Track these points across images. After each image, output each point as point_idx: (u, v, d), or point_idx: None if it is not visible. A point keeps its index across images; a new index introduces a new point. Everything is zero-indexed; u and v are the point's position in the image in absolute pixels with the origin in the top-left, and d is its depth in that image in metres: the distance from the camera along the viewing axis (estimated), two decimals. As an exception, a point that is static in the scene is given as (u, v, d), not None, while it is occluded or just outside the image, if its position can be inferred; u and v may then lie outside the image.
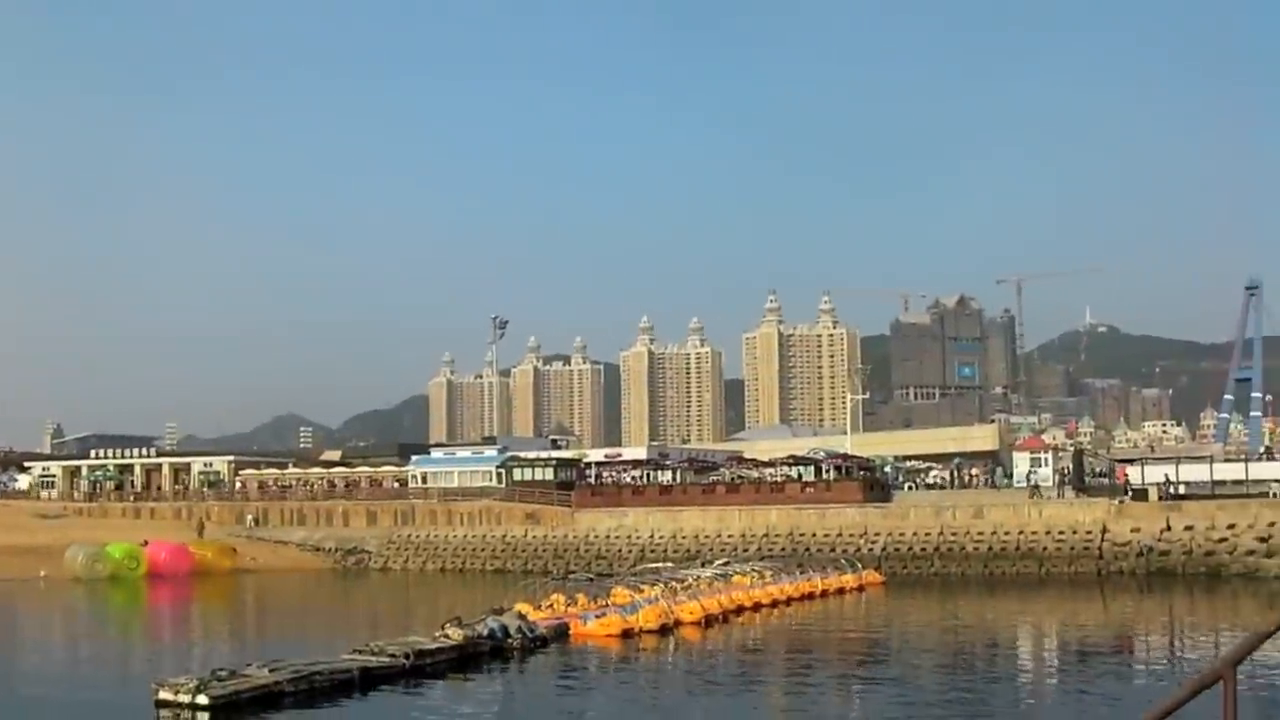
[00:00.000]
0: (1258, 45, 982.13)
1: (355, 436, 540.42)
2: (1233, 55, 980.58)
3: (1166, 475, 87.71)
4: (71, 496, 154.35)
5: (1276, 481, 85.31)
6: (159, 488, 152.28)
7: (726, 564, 72.57)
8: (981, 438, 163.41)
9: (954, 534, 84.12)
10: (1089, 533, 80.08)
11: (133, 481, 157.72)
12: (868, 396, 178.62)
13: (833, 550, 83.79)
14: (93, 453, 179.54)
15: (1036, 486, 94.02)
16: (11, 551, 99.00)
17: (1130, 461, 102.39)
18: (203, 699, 32.90)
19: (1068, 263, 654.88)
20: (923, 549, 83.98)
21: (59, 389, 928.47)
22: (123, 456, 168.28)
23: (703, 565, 72.92)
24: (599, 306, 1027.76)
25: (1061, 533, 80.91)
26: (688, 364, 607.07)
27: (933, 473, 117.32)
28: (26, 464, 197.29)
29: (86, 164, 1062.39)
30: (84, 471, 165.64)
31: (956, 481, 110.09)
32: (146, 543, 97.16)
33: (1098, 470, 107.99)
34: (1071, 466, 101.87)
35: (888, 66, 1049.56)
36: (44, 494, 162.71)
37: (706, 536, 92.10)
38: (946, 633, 57.34)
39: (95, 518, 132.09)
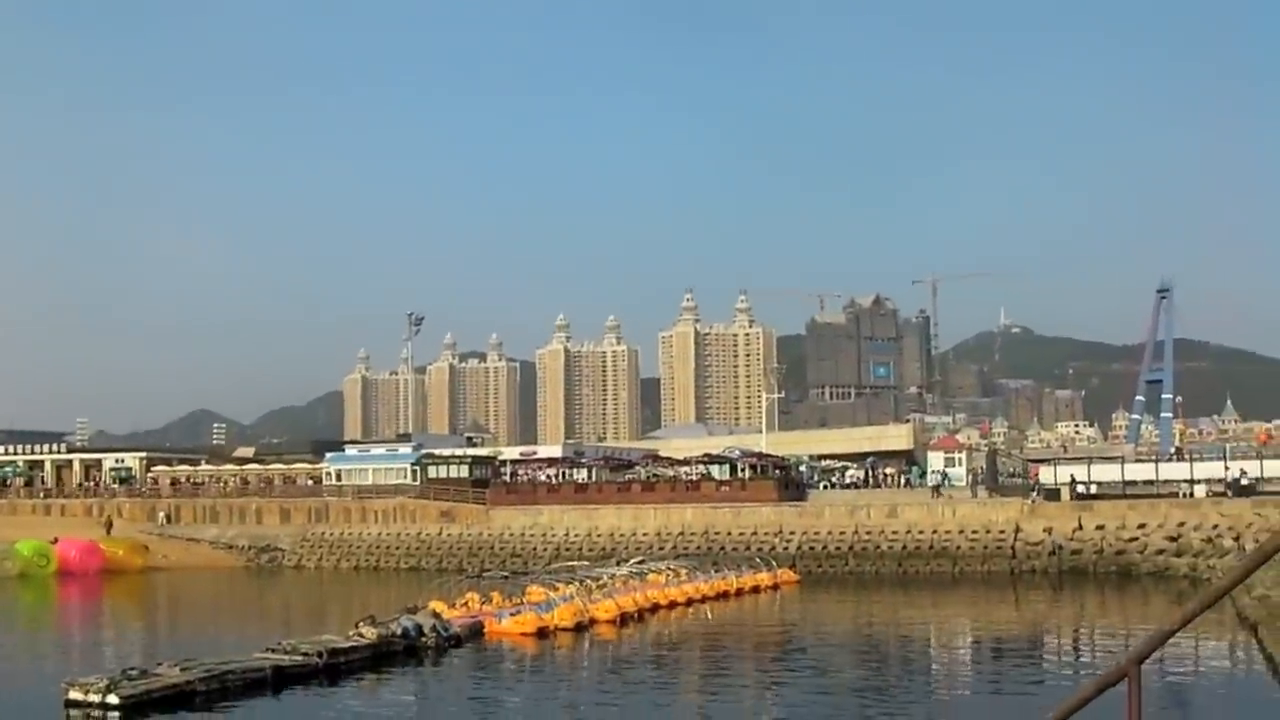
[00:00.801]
0: (1172, 41, 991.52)
1: (268, 433, 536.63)
2: (1149, 54, 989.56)
3: (1073, 475, 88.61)
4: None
5: (1186, 482, 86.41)
6: (70, 484, 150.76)
7: (642, 562, 72.53)
8: (896, 437, 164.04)
9: (868, 533, 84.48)
10: (1002, 532, 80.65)
11: (43, 478, 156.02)
12: (783, 395, 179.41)
13: (748, 549, 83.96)
14: (1, 448, 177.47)
15: (937, 487, 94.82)
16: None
17: (1043, 461, 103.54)
18: (113, 698, 32.66)
19: (987, 266, 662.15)
20: (837, 548, 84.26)
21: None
22: (32, 452, 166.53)
23: (618, 564, 72.84)
24: (515, 304, 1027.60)
25: (975, 532, 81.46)
26: (604, 362, 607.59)
27: (849, 472, 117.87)
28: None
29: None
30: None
31: (871, 481, 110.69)
32: (56, 540, 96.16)
33: (1011, 470, 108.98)
34: (985, 466, 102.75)
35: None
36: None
37: (622, 535, 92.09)
38: (861, 630, 57.73)
39: (4, 515, 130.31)
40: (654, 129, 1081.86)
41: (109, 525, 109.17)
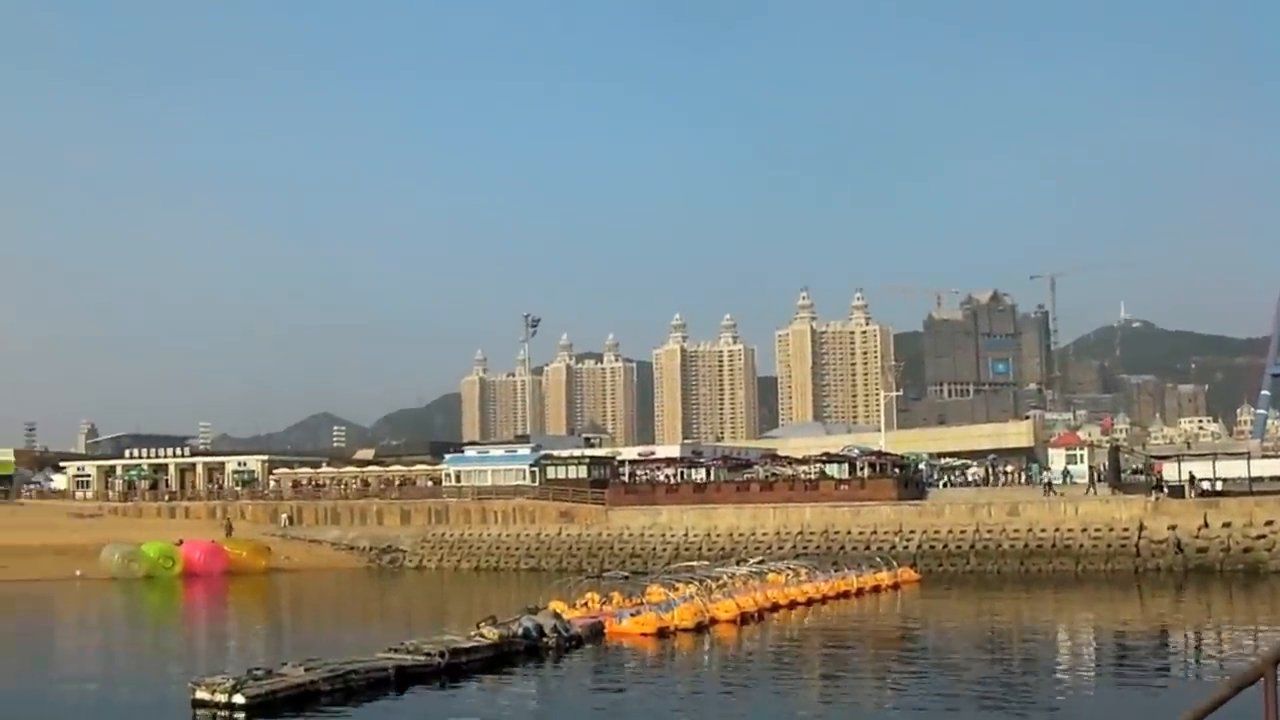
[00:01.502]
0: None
1: (388, 435, 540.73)
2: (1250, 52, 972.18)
3: (1191, 472, 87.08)
4: (106, 496, 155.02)
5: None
6: (194, 487, 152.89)
7: (761, 562, 72.25)
8: (1016, 434, 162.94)
9: (989, 531, 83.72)
10: (1125, 530, 79.58)
11: (167, 481, 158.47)
12: (901, 393, 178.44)
13: (867, 548, 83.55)
14: (127, 452, 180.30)
15: (1049, 484, 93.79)
16: (48, 551, 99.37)
17: (1166, 458, 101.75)
18: (239, 698, 32.96)
19: (1102, 258, 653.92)
20: (958, 546, 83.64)
21: (93, 389, 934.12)
22: (157, 456, 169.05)
23: (737, 563, 72.74)
24: (631, 304, 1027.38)
25: (1098, 530, 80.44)
26: (720, 361, 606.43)
27: (970, 470, 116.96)
28: (62, 464, 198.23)
29: (116, 165, 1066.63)
30: (119, 471, 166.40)
31: (992, 479, 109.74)
32: (181, 542, 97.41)
33: (1134, 467, 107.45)
34: (1107, 463, 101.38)
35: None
36: (79, 494, 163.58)
37: (741, 534, 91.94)
38: (983, 629, 57.17)
39: (130, 517, 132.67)
40: (761, 133, 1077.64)
41: (229, 528, 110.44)
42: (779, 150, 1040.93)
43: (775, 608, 58.43)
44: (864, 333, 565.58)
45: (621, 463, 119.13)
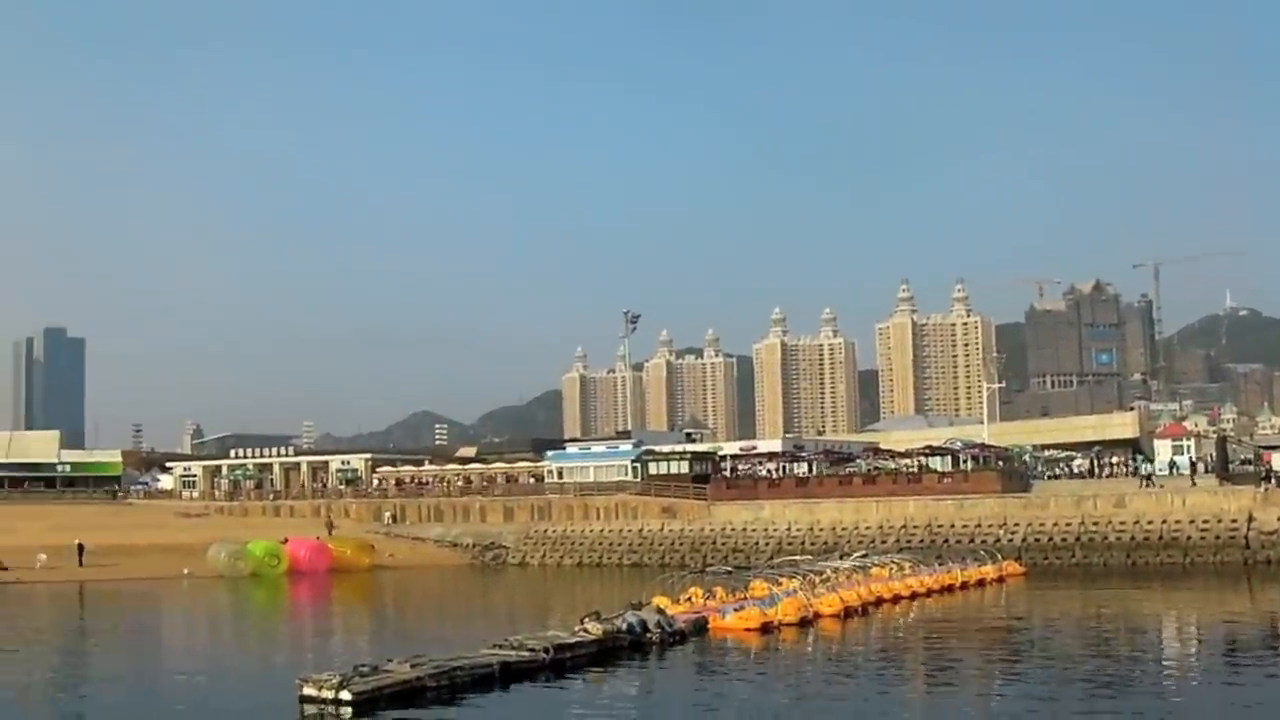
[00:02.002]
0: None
1: (489, 433, 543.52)
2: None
3: None
4: (212, 495, 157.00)
5: None
6: (298, 486, 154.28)
7: (865, 556, 71.83)
8: (1121, 425, 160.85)
9: (1095, 524, 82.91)
10: (1234, 521, 78.57)
11: (272, 480, 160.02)
12: (1004, 385, 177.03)
13: (971, 541, 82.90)
14: (232, 452, 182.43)
15: (1149, 476, 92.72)
16: (156, 550, 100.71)
17: (1275, 448, 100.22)
18: (345, 695, 33.10)
19: (1207, 246, 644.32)
20: (1064, 539, 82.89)
21: (198, 391, 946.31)
22: (261, 456, 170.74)
23: (841, 557, 72.44)
24: (731, 299, 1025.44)
25: (1206, 521, 79.47)
26: (821, 355, 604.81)
27: (1075, 461, 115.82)
28: (168, 464, 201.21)
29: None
30: (224, 471, 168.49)
31: (1097, 471, 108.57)
32: (286, 540, 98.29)
33: (1242, 457, 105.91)
34: (1215, 454, 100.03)
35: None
36: (186, 493, 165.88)
37: (844, 528, 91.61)
38: (1090, 624, 56.54)
39: (236, 516, 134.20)
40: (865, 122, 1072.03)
41: (330, 525, 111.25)
42: (875, 142, 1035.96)
43: (879, 602, 58.17)
44: (965, 324, 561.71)
45: (723, 458, 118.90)
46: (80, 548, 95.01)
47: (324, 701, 33.31)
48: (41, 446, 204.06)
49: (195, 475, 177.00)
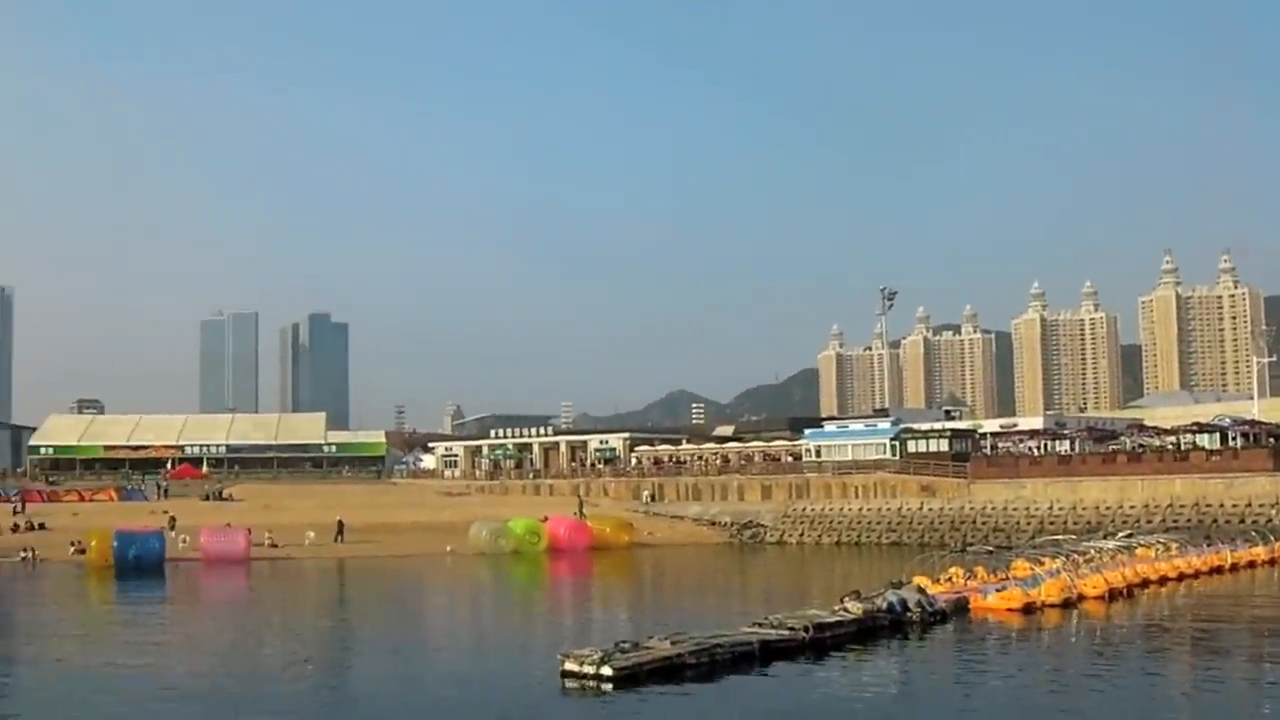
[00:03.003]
0: None
1: (746, 411, 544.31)
2: None
3: None
4: (473, 475, 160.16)
5: None
6: (560, 464, 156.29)
7: (1129, 536, 70.33)
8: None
9: (1377, 503, 79.83)
10: None
11: (531, 459, 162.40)
12: (1274, 359, 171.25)
13: (1242, 521, 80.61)
14: (492, 432, 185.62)
15: None
16: (420, 528, 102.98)
17: None
18: (607, 670, 33.37)
19: None
20: (1342, 519, 79.95)
21: (458, 372, 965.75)
22: (521, 436, 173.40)
23: (1105, 537, 70.99)
24: (989, 273, 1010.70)
25: None
26: (1082, 330, 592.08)
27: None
28: (430, 445, 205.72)
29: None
30: (485, 451, 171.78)
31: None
32: (546, 518, 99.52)
33: None
34: None
35: None
36: (448, 473, 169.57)
37: (1107, 508, 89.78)
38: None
39: (496, 495, 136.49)
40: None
41: (580, 505, 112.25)
42: (1147, 104, 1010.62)
43: (1145, 584, 56.84)
44: (1232, 296, 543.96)
45: (983, 435, 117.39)
46: (340, 525, 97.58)
47: (585, 677, 33.65)
48: (309, 428, 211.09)
49: (457, 455, 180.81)
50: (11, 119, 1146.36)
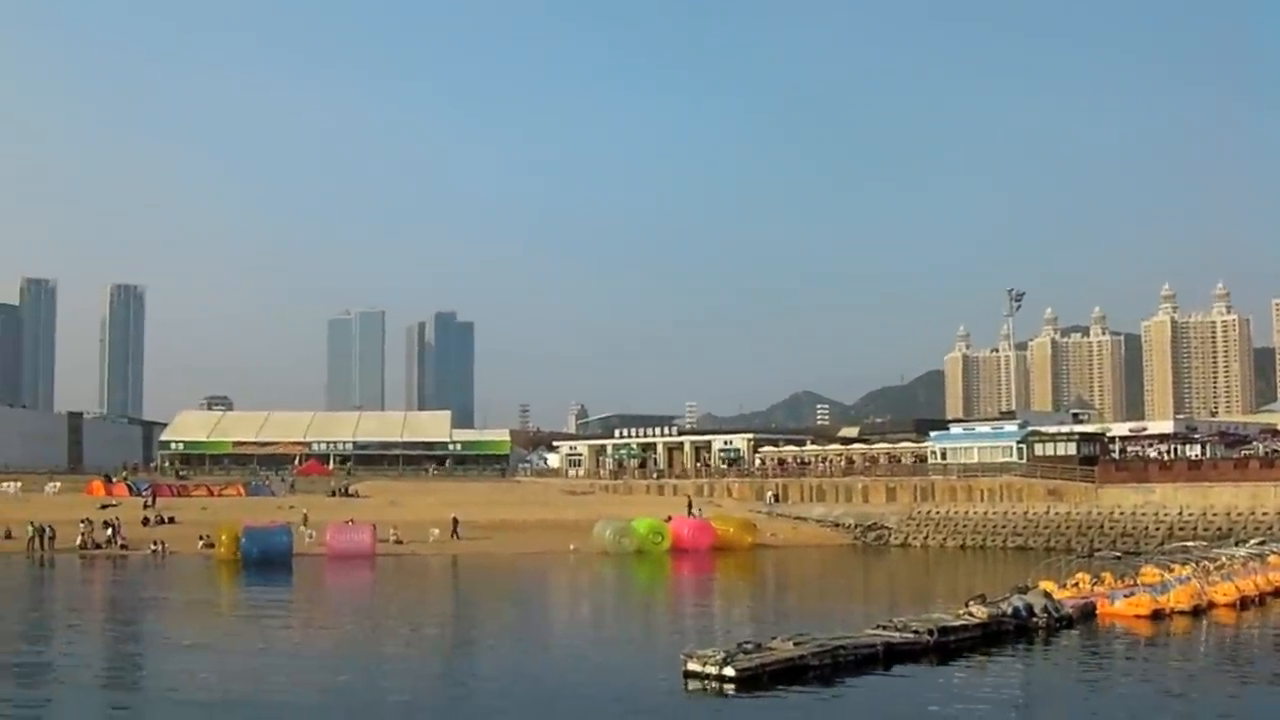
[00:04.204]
0: None
1: (870, 413, 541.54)
2: None
3: None
4: (597, 474, 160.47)
5: None
6: (684, 464, 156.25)
7: (1263, 543, 69.11)
8: None
9: None
10: None
11: (655, 459, 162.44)
12: None
13: (1380, 529, 78.88)
14: (616, 432, 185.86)
15: None
16: (544, 526, 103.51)
17: None
18: (729, 671, 33.37)
19: None
20: None
21: (582, 371, 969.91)
22: (645, 435, 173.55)
23: (1236, 544, 69.84)
24: (1118, 275, 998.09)
25: None
26: (1213, 332, 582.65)
27: None
28: (555, 443, 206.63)
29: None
30: (609, 450, 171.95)
31: None
32: (670, 518, 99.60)
33: None
34: None
35: None
36: (571, 472, 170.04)
37: (1239, 514, 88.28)
38: None
39: (620, 494, 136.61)
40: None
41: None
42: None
43: (1278, 592, 55.61)
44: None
45: (1111, 439, 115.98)
46: (454, 522, 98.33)
47: (707, 677, 33.66)
48: (434, 426, 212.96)
49: (581, 454, 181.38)
50: (146, 127, 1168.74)
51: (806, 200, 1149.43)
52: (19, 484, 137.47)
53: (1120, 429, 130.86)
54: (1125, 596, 49.71)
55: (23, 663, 40.52)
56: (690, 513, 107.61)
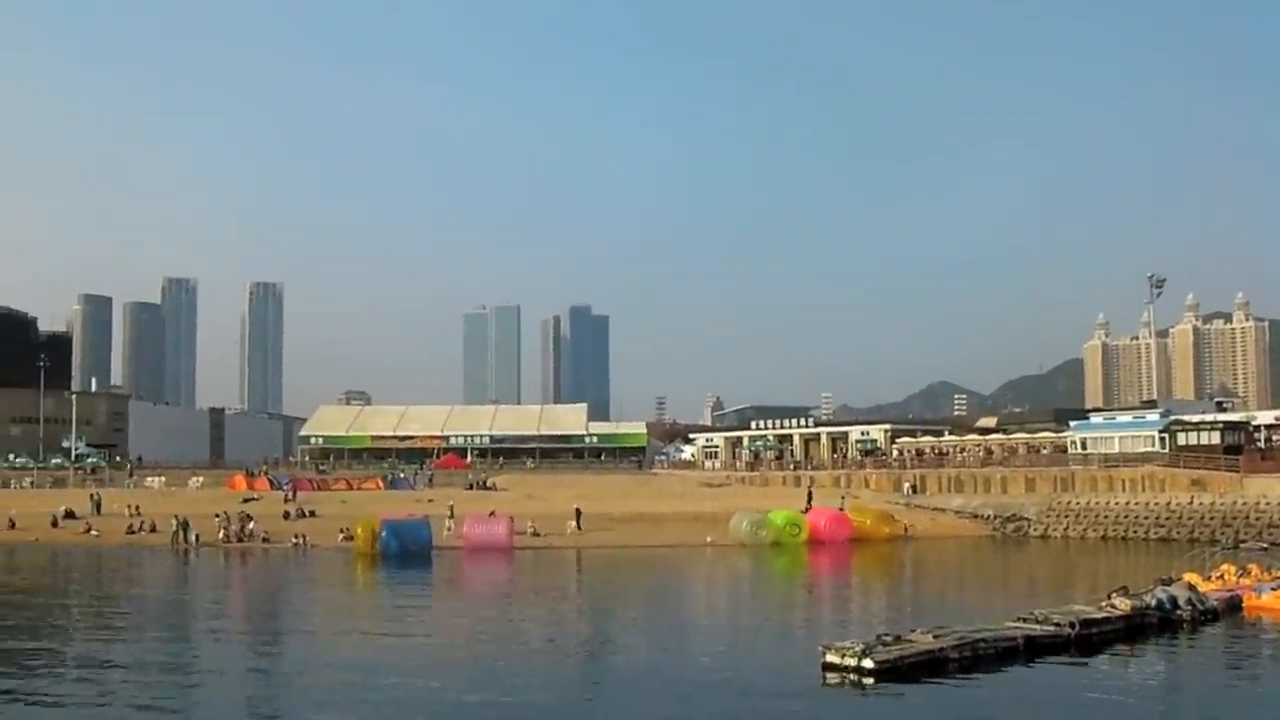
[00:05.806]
0: None
1: (1008, 403, 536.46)
2: None
3: None
4: (733, 466, 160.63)
5: None
6: (821, 456, 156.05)
7: None
8: None
9: None
10: None
11: (791, 451, 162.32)
12: None
13: None
14: (752, 424, 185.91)
15: None
16: (680, 518, 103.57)
17: None
18: (868, 663, 33.33)
19: None
20: None
21: (718, 363, 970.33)
22: (781, 427, 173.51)
23: (1388, 535, 68.42)
24: (1263, 258, 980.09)
25: None
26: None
27: None
28: (691, 436, 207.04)
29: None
30: (745, 442, 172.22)
31: None
32: (808, 510, 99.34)
33: None
34: None
35: None
36: (708, 464, 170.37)
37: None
38: None
39: (756, 486, 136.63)
40: None
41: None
42: None
43: None
44: None
45: (1257, 428, 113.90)
46: (577, 513, 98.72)
47: (846, 669, 33.63)
48: (571, 419, 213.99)
49: (717, 446, 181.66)
50: (287, 132, 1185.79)
51: (940, 192, 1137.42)
52: (163, 479, 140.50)
53: (1265, 417, 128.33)
54: (1273, 589, 48.83)
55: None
56: (809, 504, 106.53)
